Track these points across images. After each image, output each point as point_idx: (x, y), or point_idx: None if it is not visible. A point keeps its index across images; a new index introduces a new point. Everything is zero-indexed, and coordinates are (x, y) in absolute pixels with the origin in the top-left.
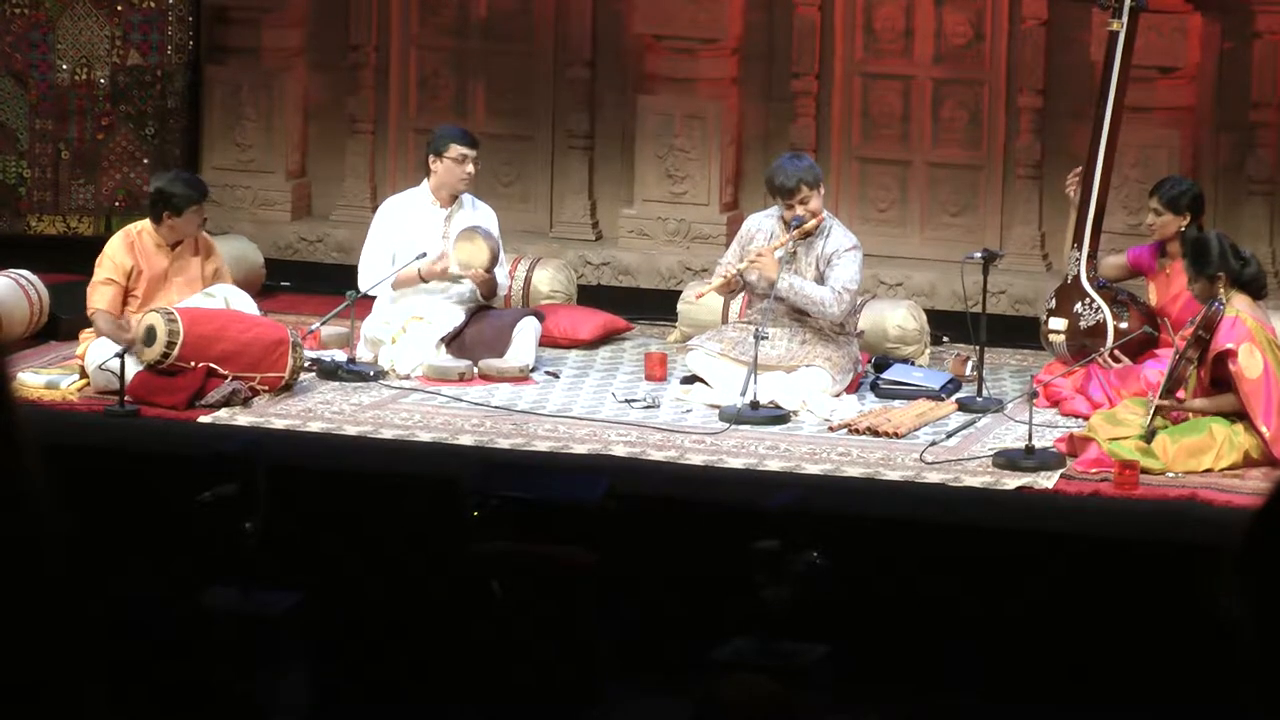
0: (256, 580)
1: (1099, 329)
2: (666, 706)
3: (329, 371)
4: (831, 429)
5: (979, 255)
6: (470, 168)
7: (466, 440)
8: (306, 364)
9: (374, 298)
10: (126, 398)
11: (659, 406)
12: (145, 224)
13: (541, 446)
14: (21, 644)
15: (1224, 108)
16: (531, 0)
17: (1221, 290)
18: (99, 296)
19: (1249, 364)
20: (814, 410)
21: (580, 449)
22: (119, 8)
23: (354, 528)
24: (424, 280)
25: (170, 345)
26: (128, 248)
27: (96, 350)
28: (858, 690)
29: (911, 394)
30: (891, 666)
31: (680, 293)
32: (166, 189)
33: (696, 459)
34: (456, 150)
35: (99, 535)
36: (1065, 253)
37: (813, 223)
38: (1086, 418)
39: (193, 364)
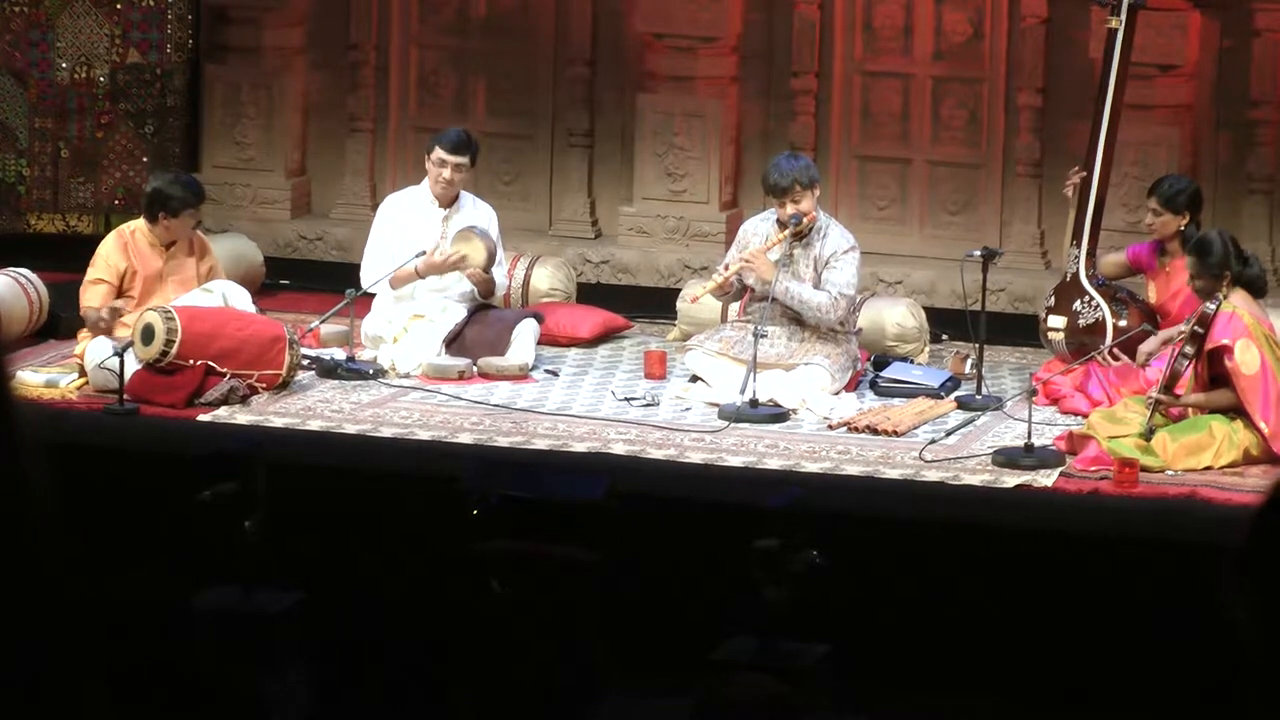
0: (256, 579)
1: (1098, 327)
2: (666, 706)
3: (328, 370)
4: (831, 427)
5: (978, 253)
6: (447, 173)
7: (466, 439)
8: (305, 362)
9: (374, 295)
10: (126, 396)
11: (658, 405)
12: (139, 223)
13: (541, 445)
14: (21, 642)
15: (1223, 106)
16: None
17: (1224, 289)
18: (91, 296)
19: (1245, 359)
20: (813, 408)
21: (580, 447)
22: (119, 6)
23: (354, 527)
24: (421, 276)
25: (169, 343)
26: (121, 248)
27: (95, 349)
28: (858, 689)
29: (911, 392)
30: (891, 665)
31: (680, 290)
32: (165, 190)
33: (696, 457)
34: (436, 153)
35: (98, 534)
36: (1064, 251)
37: (805, 221)
38: (1086, 416)
39: (191, 362)
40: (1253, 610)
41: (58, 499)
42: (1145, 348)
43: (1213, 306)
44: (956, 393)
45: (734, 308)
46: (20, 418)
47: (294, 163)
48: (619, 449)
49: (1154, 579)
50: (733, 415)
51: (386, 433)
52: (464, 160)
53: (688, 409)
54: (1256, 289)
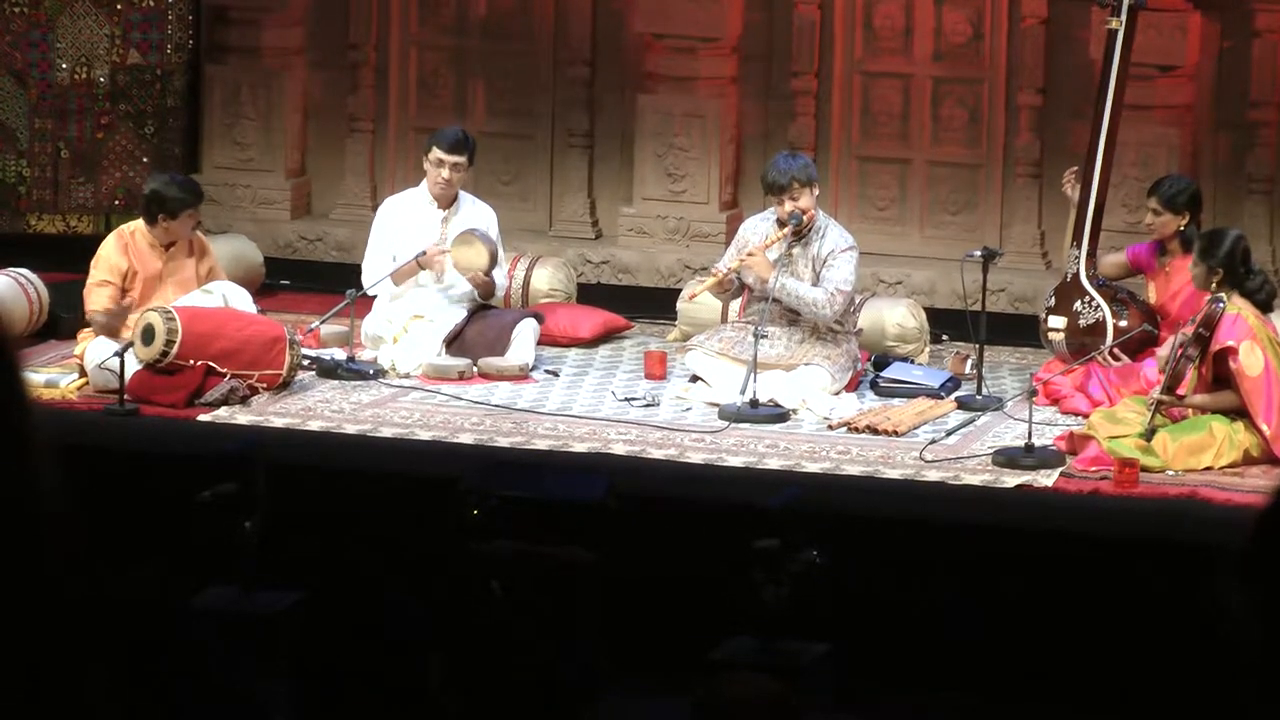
0: (256, 580)
1: (1098, 327)
2: (666, 706)
3: (328, 370)
4: (831, 427)
5: (978, 253)
6: (445, 173)
7: (466, 439)
8: (305, 362)
9: (374, 296)
10: (126, 396)
11: (658, 405)
12: (139, 224)
13: (541, 445)
14: (22, 641)
15: (1223, 106)
16: None
17: (1215, 285)
18: (96, 299)
19: (1250, 362)
20: (813, 408)
21: (580, 447)
22: (119, 6)
23: (354, 527)
24: (422, 268)
25: (169, 344)
26: (121, 249)
27: (96, 349)
28: (857, 689)
29: (911, 392)
30: (891, 666)
31: (680, 291)
32: (161, 191)
33: (696, 457)
34: (434, 153)
35: (99, 534)
36: (1065, 251)
37: (804, 220)
38: (1086, 416)
39: (191, 362)
40: (1253, 611)
41: (67, 498)
42: (1162, 352)
43: (1220, 305)
44: (957, 393)
45: (734, 307)
46: (32, 414)
47: (294, 163)
48: (619, 449)
49: (1154, 579)
50: (733, 415)
51: (387, 433)
52: (461, 159)
53: (688, 409)
54: (1256, 302)
